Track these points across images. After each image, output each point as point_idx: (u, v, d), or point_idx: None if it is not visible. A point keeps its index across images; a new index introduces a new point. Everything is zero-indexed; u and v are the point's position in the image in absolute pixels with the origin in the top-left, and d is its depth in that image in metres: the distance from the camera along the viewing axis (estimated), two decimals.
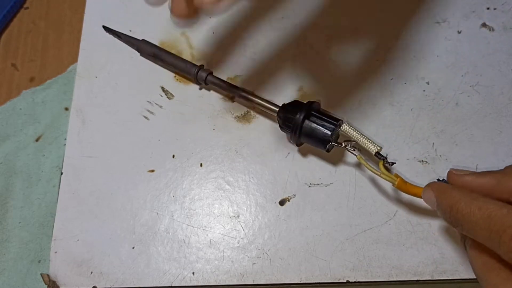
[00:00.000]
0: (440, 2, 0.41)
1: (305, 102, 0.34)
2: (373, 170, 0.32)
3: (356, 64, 0.39)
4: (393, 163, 0.32)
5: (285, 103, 0.34)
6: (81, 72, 0.40)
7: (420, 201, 0.35)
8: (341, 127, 0.33)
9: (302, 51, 0.40)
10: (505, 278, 0.25)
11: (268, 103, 0.36)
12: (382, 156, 0.32)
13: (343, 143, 0.33)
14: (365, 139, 0.32)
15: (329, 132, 0.32)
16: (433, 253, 0.33)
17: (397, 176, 0.31)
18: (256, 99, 0.36)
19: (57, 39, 0.44)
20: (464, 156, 0.36)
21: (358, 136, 0.32)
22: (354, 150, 0.32)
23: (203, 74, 0.38)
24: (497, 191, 0.27)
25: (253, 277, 0.33)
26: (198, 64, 0.38)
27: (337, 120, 0.33)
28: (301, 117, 0.32)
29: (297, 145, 0.36)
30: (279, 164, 0.36)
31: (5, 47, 0.44)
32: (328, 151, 0.33)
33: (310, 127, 0.33)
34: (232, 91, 0.37)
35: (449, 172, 0.30)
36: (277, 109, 0.35)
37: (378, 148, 0.32)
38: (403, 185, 0.31)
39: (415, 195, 0.31)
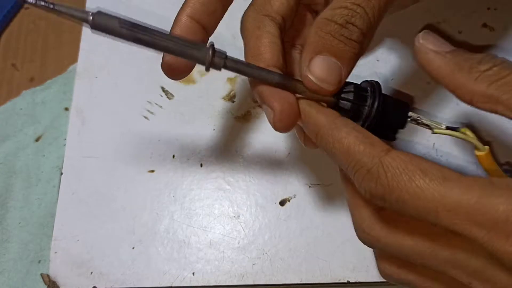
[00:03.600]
0: (441, 2, 0.41)
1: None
2: (460, 135, 0.27)
3: (356, 64, 0.39)
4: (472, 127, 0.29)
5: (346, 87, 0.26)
6: (81, 72, 0.40)
7: None
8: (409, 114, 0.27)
9: None
10: (367, 215, 0.24)
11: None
12: (457, 126, 0.27)
13: (417, 119, 0.27)
14: (429, 120, 0.27)
15: (405, 118, 0.27)
16: None
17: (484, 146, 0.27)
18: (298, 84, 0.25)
19: (57, 39, 0.44)
20: (464, 156, 0.36)
21: (428, 121, 0.27)
22: (429, 126, 0.27)
23: (219, 61, 0.23)
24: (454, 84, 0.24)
25: (253, 278, 0.33)
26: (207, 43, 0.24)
27: (405, 103, 0.27)
28: (376, 104, 0.25)
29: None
30: (279, 165, 0.36)
31: (5, 47, 0.44)
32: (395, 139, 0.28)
33: (387, 114, 0.26)
34: (262, 77, 0.24)
35: (417, 38, 0.25)
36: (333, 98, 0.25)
37: (444, 124, 0.27)
38: (489, 159, 0.28)
39: (492, 174, 0.28)
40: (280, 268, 0.33)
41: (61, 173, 0.37)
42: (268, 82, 0.24)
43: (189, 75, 0.40)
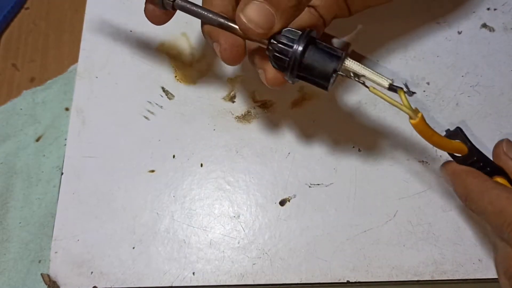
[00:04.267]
0: (441, 3, 0.41)
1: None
2: (392, 101, 0.27)
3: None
4: (413, 93, 0.30)
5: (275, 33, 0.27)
6: (82, 72, 0.40)
7: (422, 198, 0.35)
8: (344, 63, 0.27)
9: None
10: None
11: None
12: (398, 86, 0.26)
13: (352, 75, 0.27)
14: (374, 74, 0.27)
15: (333, 64, 0.27)
16: (433, 254, 0.33)
17: (417, 111, 0.27)
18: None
19: (58, 39, 0.44)
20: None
21: (365, 71, 0.27)
22: (364, 83, 0.27)
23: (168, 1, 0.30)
24: None
25: (253, 277, 0.33)
26: None
27: (340, 51, 0.27)
28: (300, 47, 0.27)
29: (292, 83, 0.29)
30: (279, 164, 0.36)
31: (5, 47, 0.44)
32: (327, 89, 0.28)
33: (312, 58, 0.27)
34: (207, 19, 0.29)
35: (499, 145, 0.29)
36: (267, 41, 0.28)
37: (390, 80, 0.26)
38: (423, 124, 0.27)
39: (431, 142, 0.28)
40: (280, 268, 0.33)
41: (62, 173, 0.37)
42: (212, 23, 0.29)
43: (189, 75, 0.40)
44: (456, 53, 0.39)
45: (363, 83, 0.27)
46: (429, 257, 0.33)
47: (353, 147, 0.37)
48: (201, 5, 0.30)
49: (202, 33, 0.31)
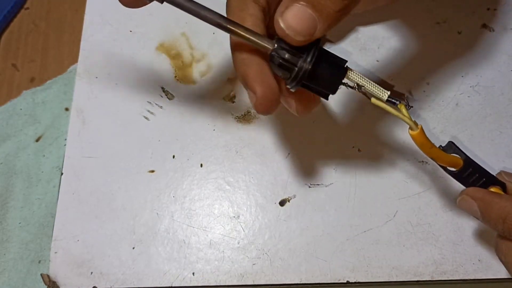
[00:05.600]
0: (440, 3, 0.41)
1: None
2: (393, 110, 0.27)
3: (356, 64, 0.39)
4: (411, 106, 0.29)
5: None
6: (82, 72, 0.40)
7: (422, 198, 0.35)
8: (347, 74, 0.26)
9: None
10: None
11: (256, 36, 0.24)
12: (398, 99, 0.27)
13: (355, 86, 0.27)
14: (373, 86, 0.26)
15: (342, 76, 0.26)
16: (433, 254, 0.33)
17: (417, 123, 0.27)
18: (238, 30, 0.24)
19: (58, 39, 0.44)
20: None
21: (365, 82, 0.26)
22: (366, 94, 0.27)
23: None
24: None
25: (253, 278, 0.33)
26: None
27: (344, 60, 0.26)
28: (310, 57, 0.25)
29: (294, 91, 0.27)
30: (279, 165, 0.36)
31: (5, 48, 0.44)
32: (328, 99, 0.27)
33: (322, 69, 0.25)
34: (203, 17, 0.24)
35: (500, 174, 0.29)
36: (271, 47, 0.25)
37: (388, 92, 0.26)
38: (422, 137, 0.27)
39: (429, 153, 0.28)
40: (280, 268, 0.33)
41: (61, 173, 0.37)
42: (208, 21, 0.24)
43: (189, 75, 0.40)
44: (456, 53, 0.39)
45: (365, 94, 0.27)
46: (429, 257, 0.33)
47: (353, 147, 0.37)
48: (225, 15, 0.25)
49: (238, 76, 0.26)
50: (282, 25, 0.23)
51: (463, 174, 0.30)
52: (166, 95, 0.39)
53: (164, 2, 0.24)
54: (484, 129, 0.37)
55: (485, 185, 0.29)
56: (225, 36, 0.43)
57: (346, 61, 0.26)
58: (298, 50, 0.25)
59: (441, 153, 0.29)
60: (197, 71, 0.40)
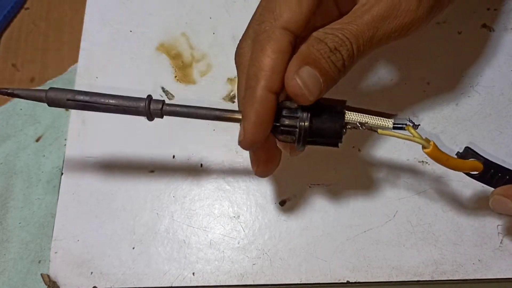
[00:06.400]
0: None
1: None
2: (402, 136, 0.27)
3: (356, 64, 0.39)
4: (417, 125, 0.29)
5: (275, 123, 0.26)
6: (82, 72, 0.40)
7: (422, 198, 0.35)
8: (346, 118, 0.27)
9: None
10: None
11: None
12: (403, 123, 0.27)
13: (357, 126, 0.27)
14: (375, 119, 0.27)
15: (341, 121, 0.27)
16: (433, 254, 0.33)
17: (428, 140, 0.27)
18: (236, 116, 0.27)
19: (58, 39, 0.44)
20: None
21: (366, 118, 0.27)
22: (371, 128, 0.28)
23: (157, 106, 0.28)
24: None
25: (253, 278, 0.33)
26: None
27: (341, 107, 0.27)
28: (306, 113, 0.26)
29: (302, 151, 0.29)
30: (279, 165, 0.36)
31: (5, 48, 0.44)
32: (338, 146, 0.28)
33: (320, 122, 0.26)
34: (202, 116, 0.28)
35: None
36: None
37: (391, 120, 0.27)
38: (436, 152, 0.28)
39: (448, 165, 0.28)
40: (280, 268, 0.33)
41: (62, 173, 0.37)
42: (207, 118, 0.27)
43: (189, 75, 0.40)
44: (456, 53, 0.39)
45: (370, 129, 0.27)
46: (429, 257, 0.33)
47: (353, 147, 0.37)
48: (247, 64, 0.26)
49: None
50: (299, 82, 0.24)
51: (485, 176, 0.30)
52: (166, 95, 0.39)
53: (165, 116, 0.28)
54: (484, 129, 0.37)
55: (511, 182, 0.30)
56: (225, 36, 0.43)
57: (345, 101, 0.27)
58: (293, 113, 0.26)
59: (459, 162, 0.29)
60: (197, 71, 0.40)
